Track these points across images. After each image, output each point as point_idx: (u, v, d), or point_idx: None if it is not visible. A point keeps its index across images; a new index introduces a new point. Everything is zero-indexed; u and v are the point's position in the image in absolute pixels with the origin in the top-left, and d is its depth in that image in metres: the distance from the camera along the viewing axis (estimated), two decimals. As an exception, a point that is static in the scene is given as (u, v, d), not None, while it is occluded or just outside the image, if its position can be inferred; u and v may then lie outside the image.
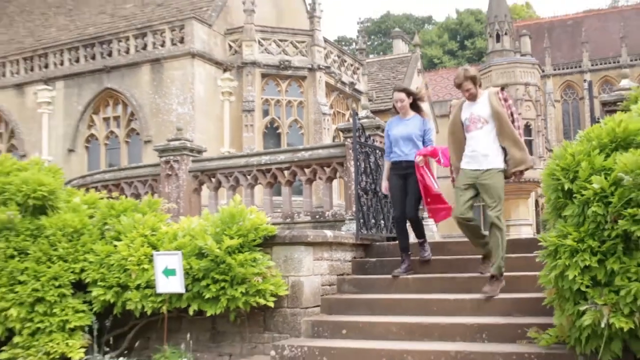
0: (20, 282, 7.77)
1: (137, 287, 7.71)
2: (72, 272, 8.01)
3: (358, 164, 9.42)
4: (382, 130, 9.48)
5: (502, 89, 7.35)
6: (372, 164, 9.74)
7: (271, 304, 7.44)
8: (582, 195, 5.15)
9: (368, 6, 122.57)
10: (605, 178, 5.05)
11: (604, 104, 9.55)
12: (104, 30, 23.09)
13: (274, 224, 8.16)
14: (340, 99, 24.21)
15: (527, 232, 35.40)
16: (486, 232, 7.31)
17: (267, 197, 13.10)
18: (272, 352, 7.05)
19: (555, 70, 57.80)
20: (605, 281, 5.04)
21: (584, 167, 5.20)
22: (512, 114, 7.08)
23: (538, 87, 41.45)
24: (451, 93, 47.52)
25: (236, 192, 12.58)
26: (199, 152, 13.57)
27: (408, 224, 8.51)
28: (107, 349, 7.92)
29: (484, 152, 7.04)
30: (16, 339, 7.65)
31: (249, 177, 12.78)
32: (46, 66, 23.15)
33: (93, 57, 22.15)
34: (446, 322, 6.80)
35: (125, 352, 7.98)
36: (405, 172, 8.17)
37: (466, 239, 7.61)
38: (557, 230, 5.32)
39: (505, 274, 7.56)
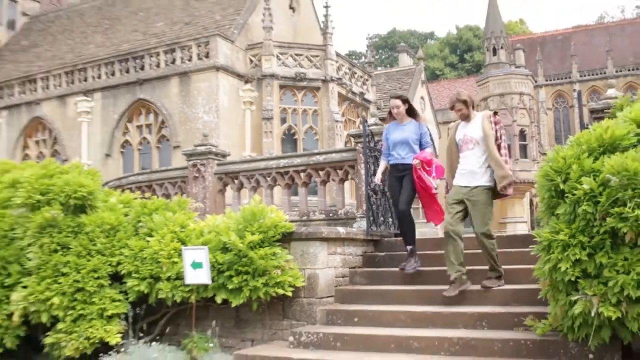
0: (63, 274, 7.80)
1: (168, 279, 7.73)
2: (109, 265, 8.05)
3: (368, 166, 9.41)
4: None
5: (495, 113, 7.26)
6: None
7: (289, 294, 7.45)
8: (573, 195, 5.15)
9: (376, 23, 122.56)
10: (594, 179, 5.05)
11: (592, 111, 9.51)
12: (137, 47, 23.18)
13: (291, 221, 8.15)
14: (351, 107, 24.19)
15: (523, 229, 35.28)
16: (461, 260, 7.08)
17: (285, 197, 13.11)
18: (291, 338, 7.05)
19: (547, 80, 57.56)
20: (594, 273, 5.03)
21: (575, 169, 5.21)
22: (498, 137, 6.99)
23: (531, 96, 41.21)
24: (467, 91, 47.47)
25: (257, 193, 12.59)
26: (223, 156, 13.60)
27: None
28: (141, 335, 7.96)
29: (472, 171, 6.98)
30: (60, 325, 7.68)
31: (268, 178, 12.80)
32: (85, 79, 23.28)
33: (127, 71, 22.25)
34: (449, 311, 6.78)
35: (158, 337, 8.01)
36: (402, 173, 8.05)
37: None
38: (551, 227, 5.32)
39: (503, 266, 7.53)
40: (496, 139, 6.97)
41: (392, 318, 7.03)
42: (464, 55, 74.04)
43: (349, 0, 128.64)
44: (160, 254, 7.80)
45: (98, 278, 7.89)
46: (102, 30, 27.81)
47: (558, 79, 57.75)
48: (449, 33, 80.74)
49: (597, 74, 55.73)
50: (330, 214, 12.35)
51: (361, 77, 25.25)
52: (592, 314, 4.93)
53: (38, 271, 7.88)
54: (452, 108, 7.26)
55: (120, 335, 7.72)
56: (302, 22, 26.32)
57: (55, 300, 7.62)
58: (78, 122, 22.36)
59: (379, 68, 42.40)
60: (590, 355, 5.42)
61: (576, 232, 5.12)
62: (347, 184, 12.86)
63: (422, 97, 34.70)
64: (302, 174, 12.57)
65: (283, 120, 21.63)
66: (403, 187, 8.04)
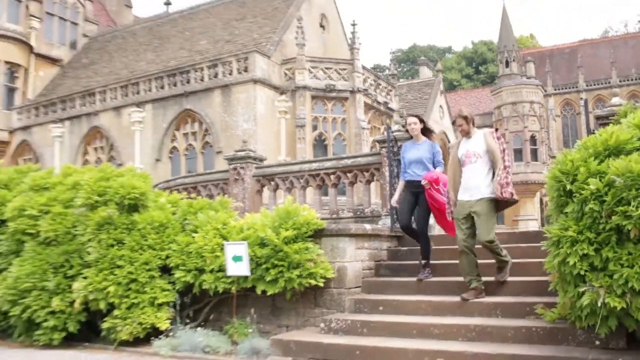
0: (118, 266, 7.89)
1: (211, 271, 7.78)
2: (159, 258, 8.13)
3: (391, 169, 9.38)
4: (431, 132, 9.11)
5: (496, 129, 7.09)
6: (402, 169, 9.67)
7: (321, 285, 7.45)
8: (581, 194, 5.11)
9: (398, 39, 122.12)
10: (600, 180, 5.02)
11: (597, 118, 9.35)
12: (183, 63, 23.37)
13: (322, 219, 8.14)
14: (376, 115, 24.10)
15: (534, 226, 34.92)
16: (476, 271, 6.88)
17: (317, 197, 13.12)
18: (322, 325, 7.05)
19: (555, 90, 56.66)
20: (601, 267, 4.98)
21: (582, 171, 5.17)
22: (502, 151, 6.72)
23: (541, 104, 40.79)
24: (469, 110, 47.05)
25: (291, 193, 12.64)
26: (261, 160, 13.65)
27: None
28: (188, 321, 8.03)
29: (475, 184, 6.72)
30: (116, 312, 7.77)
31: (301, 180, 12.82)
32: (138, 92, 23.51)
33: (175, 85, 22.43)
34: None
35: (202, 323, 8.06)
36: (417, 190, 7.74)
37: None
38: (560, 224, 5.27)
39: (515, 260, 7.45)
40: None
41: (414, 307, 6.99)
42: (479, 67, 73.35)
43: (374, 18, 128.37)
44: (204, 249, 7.86)
45: (149, 270, 7.98)
46: (152, 48, 28.09)
47: (566, 88, 56.87)
48: (465, 47, 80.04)
49: (602, 84, 54.77)
50: (358, 212, 12.32)
51: (385, 87, 25.15)
52: (599, 304, 4.88)
53: (97, 264, 7.99)
54: (453, 123, 7.19)
55: (169, 321, 7.81)
56: (331, 39, 26.31)
57: (112, 289, 7.72)
58: (131, 130, 22.64)
59: (401, 80, 42.15)
60: (597, 342, 5.35)
61: (584, 228, 5.08)
62: (372, 185, 12.81)
63: (440, 106, 34.45)
64: (331, 176, 12.56)
65: (314, 128, 21.62)
66: (419, 205, 7.83)
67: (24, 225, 8.86)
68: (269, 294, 7.53)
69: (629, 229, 4.79)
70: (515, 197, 6.73)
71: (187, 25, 28.31)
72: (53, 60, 30.70)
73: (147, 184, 8.92)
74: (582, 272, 5.04)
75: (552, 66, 57.55)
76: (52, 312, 7.98)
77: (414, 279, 7.56)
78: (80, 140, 24.99)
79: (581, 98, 53.01)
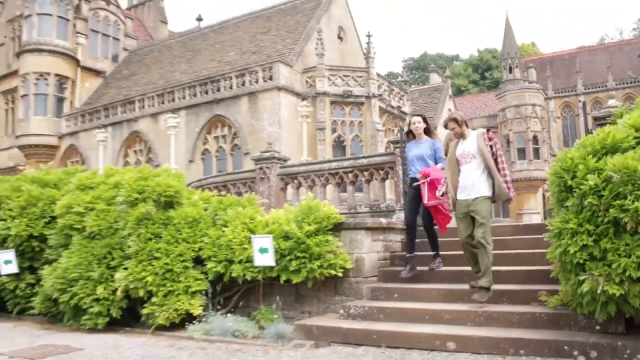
0: (155, 258, 7.92)
1: (240, 262, 7.78)
2: (192, 250, 8.14)
3: (404, 167, 9.33)
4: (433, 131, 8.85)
5: (488, 130, 6.70)
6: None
7: (340, 274, 7.42)
8: (580, 189, 5.04)
9: (409, 48, 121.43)
10: (598, 176, 4.96)
11: (595, 119, 9.18)
12: (214, 73, 23.45)
13: (341, 213, 8.12)
14: (390, 118, 23.98)
15: (537, 219, 34.56)
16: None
17: (336, 194, 13.09)
18: (341, 311, 7.03)
19: (556, 93, 55.88)
20: (600, 256, 4.90)
21: (581, 168, 5.10)
22: (494, 152, 6.44)
23: (542, 107, 40.33)
24: (475, 112, 46.67)
25: (312, 190, 12.61)
26: (284, 160, 13.64)
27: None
28: (219, 307, 8.03)
29: (471, 183, 6.43)
30: (154, 299, 7.80)
31: (322, 178, 12.78)
32: (173, 100, 23.66)
33: (206, 92, 22.53)
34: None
35: (232, 309, 8.07)
36: (418, 186, 7.49)
37: (495, 224, 7.27)
38: (561, 217, 5.21)
39: (520, 251, 7.35)
40: (492, 154, 6.42)
41: (426, 294, 6.94)
42: (484, 73, 72.72)
43: (388, 29, 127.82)
44: (233, 242, 7.86)
45: (183, 261, 8.00)
46: (185, 60, 28.23)
47: (565, 92, 56.08)
48: (471, 55, 79.39)
49: (599, 87, 53.98)
50: (374, 208, 12.26)
51: (398, 93, 25.01)
52: (599, 292, 4.82)
53: (136, 255, 8.03)
54: (445, 127, 6.79)
55: (201, 307, 7.81)
56: (348, 49, 26.24)
57: (150, 279, 7.75)
58: (167, 134, 22.77)
59: (412, 85, 41.94)
60: (597, 327, 5.29)
61: (583, 221, 5.01)
62: (387, 182, 12.73)
63: (449, 109, 34.16)
64: (349, 174, 12.51)
65: (334, 130, 21.58)
66: (419, 202, 7.54)
67: (71, 221, 8.93)
68: (292, 282, 7.53)
69: (626, 221, 4.73)
70: (512, 194, 6.51)
71: (217, 39, 28.42)
72: (97, 72, 31.01)
73: (181, 183, 8.95)
74: (582, 262, 4.97)
75: (553, 71, 56.84)
76: (97, 299, 8.03)
77: (426, 268, 7.49)
78: (121, 144, 25.21)
79: (580, 101, 52.23)
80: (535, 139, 38.70)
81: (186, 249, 8.07)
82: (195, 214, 8.41)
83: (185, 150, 22.66)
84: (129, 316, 8.31)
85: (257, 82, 21.06)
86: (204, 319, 7.63)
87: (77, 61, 29.31)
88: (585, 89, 54.76)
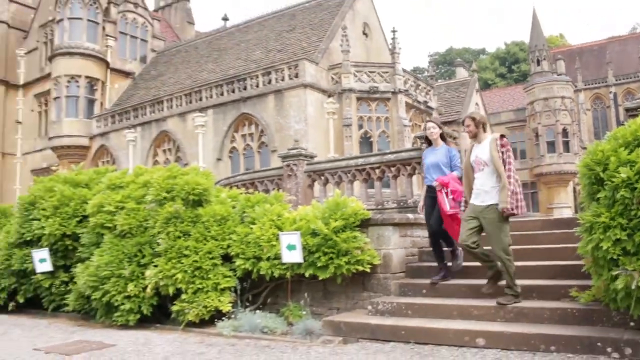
0: (184, 256, 7.96)
1: (268, 258, 7.77)
2: (221, 247, 8.17)
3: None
4: (451, 137, 8.76)
5: (502, 136, 6.27)
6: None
7: (368, 270, 7.37)
8: (612, 182, 4.90)
9: (435, 43, 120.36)
10: (631, 169, 4.81)
11: (627, 110, 8.96)
12: (240, 71, 23.57)
13: (368, 210, 8.04)
14: (416, 114, 23.82)
15: (567, 213, 34.02)
16: (489, 254, 6.30)
17: (363, 190, 13.04)
18: (369, 307, 6.98)
19: (585, 85, 54.67)
20: (633, 251, 4.77)
21: (613, 160, 4.96)
22: (505, 160, 6.09)
23: (572, 99, 39.70)
24: (503, 106, 46.06)
25: (339, 187, 12.58)
26: (311, 157, 13.63)
27: None
28: (247, 304, 8.05)
29: (486, 189, 6.15)
30: (183, 296, 7.85)
31: (349, 175, 12.75)
32: (200, 99, 23.85)
33: (233, 91, 22.66)
34: (504, 284, 6.54)
35: (260, 306, 8.08)
36: (434, 194, 7.22)
37: (525, 219, 7.09)
38: (592, 211, 5.07)
39: (549, 246, 7.20)
40: (503, 161, 6.10)
41: (454, 290, 6.85)
42: (511, 66, 71.68)
43: (413, 25, 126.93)
44: (261, 239, 7.86)
45: (212, 258, 8.03)
46: (212, 59, 28.43)
47: (595, 83, 54.85)
48: (498, 48, 78.23)
49: (630, 78, 52.67)
50: (401, 203, 12.18)
51: (424, 88, 24.83)
52: (633, 287, 4.66)
53: (166, 253, 8.09)
54: (462, 123, 6.67)
55: (230, 304, 7.84)
56: (374, 45, 26.12)
57: (179, 276, 7.80)
58: (195, 133, 23.00)
59: (439, 80, 41.45)
60: (632, 323, 5.14)
61: (615, 215, 4.86)
62: (414, 177, 12.65)
63: (476, 104, 33.80)
64: (376, 170, 12.45)
65: (360, 126, 21.53)
66: (435, 209, 7.26)
67: (102, 219, 9.05)
68: (320, 279, 7.50)
69: (661, 215, 4.57)
70: (520, 210, 6.05)
71: (243, 38, 28.55)
72: (126, 74, 31.45)
73: (209, 181, 8.98)
74: (615, 257, 4.83)
75: (582, 63, 55.68)
76: (128, 297, 8.12)
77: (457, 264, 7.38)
78: (150, 144, 25.52)
79: (610, 92, 51.14)
80: (564, 132, 38.11)
81: (215, 247, 8.10)
82: (223, 212, 8.44)
83: (213, 149, 22.83)
84: (159, 313, 8.39)
85: (283, 79, 21.11)
86: (233, 316, 7.65)
87: (106, 63, 29.75)
88: (616, 80, 53.52)
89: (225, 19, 34.85)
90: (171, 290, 7.89)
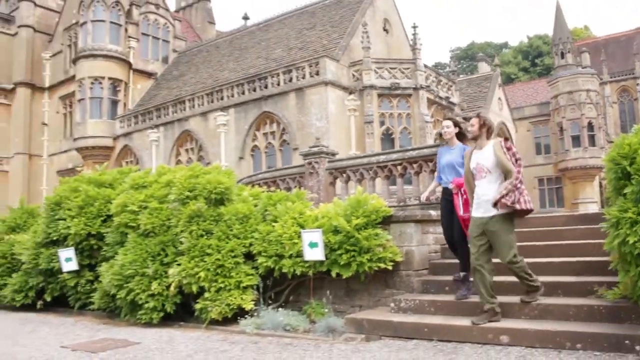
0: (207, 254, 8.02)
1: (290, 256, 7.79)
2: (243, 246, 8.20)
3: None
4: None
5: (506, 139, 5.88)
6: (464, 159, 9.36)
7: (390, 268, 7.34)
8: (639, 176, 4.77)
9: (456, 38, 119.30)
10: (659, 162, 4.67)
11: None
12: (261, 70, 23.63)
13: (390, 206, 8.03)
14: (438, 109, 23.63)
15: (593, 209, 33.48)
16: (493, 294, 5.87)
17: (385, 187, 12.97)
18: (392, 304, 6.95)
19: (611, 78, 53.59)
20: (662, 246, 4.64)
21: (640, 153, 4.83)
22: (513, 163, 5.73)
23: (597, 92, 39.01)
24: (527, 101, 45.48)
25: (361, 184, 12.53)
26: (333, 154, 13.60)
27: None
28: (270, 302, 8.08)
29: (486, 199, 5.76)
30: (206, 294, 7.90)
31: (370, 172, 12.69)
32: (222, 98, 23.97)
33: (254, 90, 22.74)
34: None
35: (283, 304, 8.09)
36: (450, 197, 6.87)
37: (548, 214, 6.95)
38: (619, 206, 4.96)
39: (574, 242, 7.07)
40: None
41: (478, 287, 6.77)
42: (534, 60, 70.63)
43: (433, 20, 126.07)
44: (283, 237, 7.88)
45: (235, 257, 8.07)
46: (233, 58, 28.55)
47: (622, 75, 53.83)
48: (521, 42, 77.10)
49: (659, 69, 51.63)
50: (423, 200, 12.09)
51: (446, 83, 24.63)
52: (662, 283, 4.55)
53: (188, 252, 8.15)
54: (468, 119, 6.18)
55: (253, 302, 7.87)
56: (394, 41, 25.98)
57: (202, 274, 7.85)
58: (217, 132, 23.14)
59: (461, 75, 41.20)
60: (661, 320, 5.03)
61: (643, 209, 4.75)
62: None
63: (499, 98, 33.51)
64: (398, 167, 12.37)
65: (382, 123, 21.44)
66: (455, 219, 6.75)
67: (126, 219, 9.16)
68: (342, 276, 7.49)
69: (690, 209, 4.45)
70: (526, 205, 5.69)
71: (263, 36, 28.62)
72: (148, 74, 31.75)
73: (231, 179, 9.03)
74: (643, 252, 4.73)
75: (607, 55, 54.62)
76: (152, 295, 8.21)
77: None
78: (173, 143, 25.73)
79: (638, 84, 50.20)
80: (590, 126, 37.52)
81: (237, 245, 8.14)
82: (245, 210, 8.47)
83: (235, 148, 22.94)
84: (182, 311, 8.46)
85: (304, 77, 21.11)
86: (255, 314, 7.69)
87: (129, 64, 30.08)
88: (644, 72, 52.50)
89: (245, 18, 34.98)
90: (194, 288, 7.95)
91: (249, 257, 8.26)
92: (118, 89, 29.42)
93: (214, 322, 7.80)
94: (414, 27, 22.42)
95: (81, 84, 28.72)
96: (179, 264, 8.15)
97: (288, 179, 14.03)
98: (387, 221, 7.67)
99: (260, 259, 8.02)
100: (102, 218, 10.10)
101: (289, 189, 13.09)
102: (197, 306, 7.97)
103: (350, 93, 21.14)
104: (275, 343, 6.60)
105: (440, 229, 8.18)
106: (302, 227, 7.89)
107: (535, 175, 41.06)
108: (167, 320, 8.31)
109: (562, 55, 42.02)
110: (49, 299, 10.77)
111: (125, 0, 30.15)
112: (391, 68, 21.68)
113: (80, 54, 28.87)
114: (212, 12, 40.39)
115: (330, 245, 7.48)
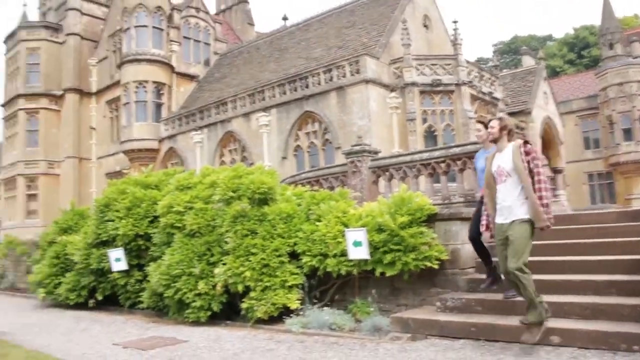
0: (252, 254, 8.11)
1: (334, 255, 7.80)
2: (287, 245, 8.26)
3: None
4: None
5: (526, 142, 5.64)
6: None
7: (436, 266, 7.27)
8: (697, 170, 4.58)
9: (499, 32, 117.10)
10: None
11: None
12: (302, 70, 23.71)
13: (434, 204, 7.96)
14: (481, 105, 23.25)
15: (647, 204, 32.41)
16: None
17: (429, 184, 12.86)
18: (438, 303, 6.90)
19: (664, 67, 51.90)
20: None
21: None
22: (532, 169, 5.50)
23: (650, 82, 37.66)
24: (574, 94, 44.30)
25: (404, 182, 12.45)
26: (375, 153, 13.55)
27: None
28: (315, 301, 8.10)
29: (507, 205, 5.57)
30: (252, 294, 7.99)
31: (413, 169, 12.60)
32: (264, 99, 24.16)
33: (295, 90, 22.83)
34: (579, 279, 6.32)
35: (328, 303, 8.12)
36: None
37: (595, 210, 6.79)
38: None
39: (627, 239, 6.88)
40: (530, 171, 5.49)
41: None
42: (581, 52, 68.69)
43: (475, 15, 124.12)
44: (327, 236, 7.90)
45: (279, 256, 8.14)
46: (273, 59, 28.75)
47: (675, 65, 51.89)
48: (566, 34, 75.11)
49: None
50: (468, 197, 11.93)
51: (489, 79, 24.22)
52: None
53: (234, 251, 8.26)
54: (488, 124, 5.97)
55: (298, 301, 7.92)
56: (435, 37, 25.70)
57: (247, 274, 7.95)
58: (260, 133, 23.33)
59: (504, 70, 40.44)
60: None
61: (701, 204, 4.55)
62: (481, 171, 12.36)
63: (544, 92, 32.67)
64: (442, 164, 12.25)
65: (424, 120, 21.22)
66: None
67: (172, 220, 9.34)
68: (387, 275, 7.46)
69: None
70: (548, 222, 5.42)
71: (303, 36, 28.72)
72: (191, 77, 32.28)
73: (274, 179, 9.10)
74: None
75: (660, 44, 52.78)
76: (199, 294, 8.35)
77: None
78: (216, 144, 26.06)
79: (692, 74, 48.26)
80: (642, 118, 36.32)
81: (281, 244, 8.20)
82: (289, 210, 8.53)
83: (277, 148, 23.09)
84: (229, 310, 8.57)
85: (344, 76, 21.09)
86: (300, 313, 7.73)
87: (172, 68, 30.65)
88: None
89: (285, 18, 35.18)
90: (240, 287, 8.04)
91: (294, 256, 8.31)
92: (162, 92, 30.00)
93: (259, 321, 7.88)
94: (455, 22, 22.12)
95: (126, 88, 29.42)
96: (224, 264, 8.27)
97: (331, 178, 14.05)
98: (431, 219, 7.61)
99: (304, 258, 8.06)
100: (149, 219, 10.33)
101: (332, 188, 13.09)
102: (243, 305, 8.06)
103: (392, 91, 21.02)
104: (321, 342, 6.63)
105: (486, 227, 8.07)
106: (346, 226, 7.89)
107: (584, 170, 40.01)
108: (214, 319, 8.44)
109: (611, 46, 40.77)
110: (100, 298, 11.09)
111: (167, 5, 30.74)
112: (432, 64, 21.45)
113: (125, 59, 29.58)
114: (251, 14, 40.80)
115: (375, 244, 7.46)
